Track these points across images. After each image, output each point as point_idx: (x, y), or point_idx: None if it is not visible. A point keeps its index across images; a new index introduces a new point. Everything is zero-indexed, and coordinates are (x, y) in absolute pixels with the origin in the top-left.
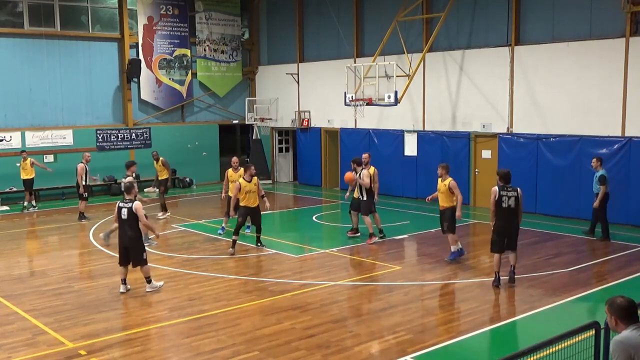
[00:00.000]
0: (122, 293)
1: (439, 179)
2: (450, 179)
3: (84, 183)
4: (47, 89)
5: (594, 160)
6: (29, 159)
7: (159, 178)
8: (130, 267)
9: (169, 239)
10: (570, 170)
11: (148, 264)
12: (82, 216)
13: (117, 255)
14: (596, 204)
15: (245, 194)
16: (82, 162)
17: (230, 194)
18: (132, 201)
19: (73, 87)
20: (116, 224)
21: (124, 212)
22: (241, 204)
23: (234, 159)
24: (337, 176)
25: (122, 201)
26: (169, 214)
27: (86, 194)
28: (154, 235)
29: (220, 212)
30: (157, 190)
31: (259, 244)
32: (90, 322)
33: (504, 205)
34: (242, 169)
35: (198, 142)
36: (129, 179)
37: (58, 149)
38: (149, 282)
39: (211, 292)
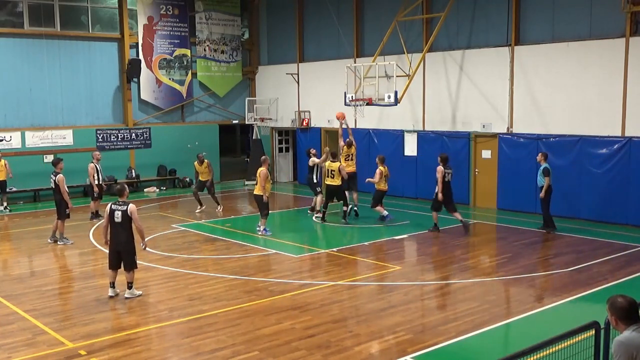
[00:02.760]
0: (111, 297)
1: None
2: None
3: (96, 182)
4: (47, 89)
5: (539, 155)
6: (3, 160)
7: (201, 179)
8: (119, 270)
9: (169, 239)
10: (570, 170)
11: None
12: (94, 215)
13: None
14: (542, 194)
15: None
16: (92, 162)
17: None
18: (125, 203)
19: (73, 87)
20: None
21: (118, 214)
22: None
23: (266, 157)
24: None
25: (114, 203)
26: (203, 207)
27: (95, 194)
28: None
29: (224, 212)
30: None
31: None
32: (90, 322)
33: (446, 179)
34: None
35: (198, 142)
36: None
37: (58, 149)
38: (130, 287)
39: (211, 292)
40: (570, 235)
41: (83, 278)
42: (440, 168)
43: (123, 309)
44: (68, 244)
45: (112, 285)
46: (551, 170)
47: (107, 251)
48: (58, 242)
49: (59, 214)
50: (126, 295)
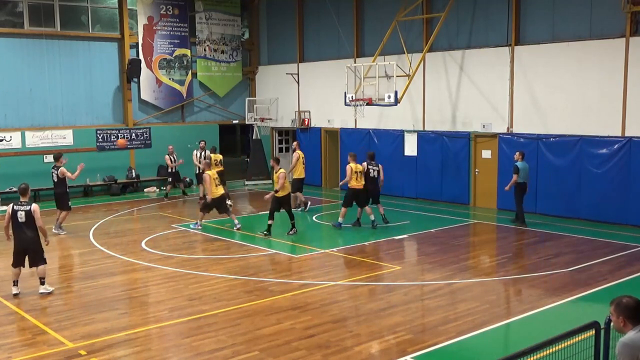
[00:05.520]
0: (15, 295)
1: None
2: (359, 165)
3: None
4: (47, 89)
5: (517, 153)
6: None
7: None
8: (22, 269)
9: (169, 239)
10: (570, 170)
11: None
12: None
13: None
14: (507, 187)
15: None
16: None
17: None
18: (28, 203)
19: (73, 87)
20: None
21: (21, 214)
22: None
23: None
24: (337, 176)
25: (16, 204)
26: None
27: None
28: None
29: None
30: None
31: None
32: (90, 322)
33: (370, 175)
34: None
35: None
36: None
37: (58, 149)
38: (43, 283)
39: (211, 292)
40: (570, 235)
41: (83, 278)
42: (364, 163)
43: (123, 309)
44: (61, 234)
45: (16, 283)
46: (522, 168)
47: (14, 249)
48: (53, 230)
49: (62, 205)
50: (41, 291)
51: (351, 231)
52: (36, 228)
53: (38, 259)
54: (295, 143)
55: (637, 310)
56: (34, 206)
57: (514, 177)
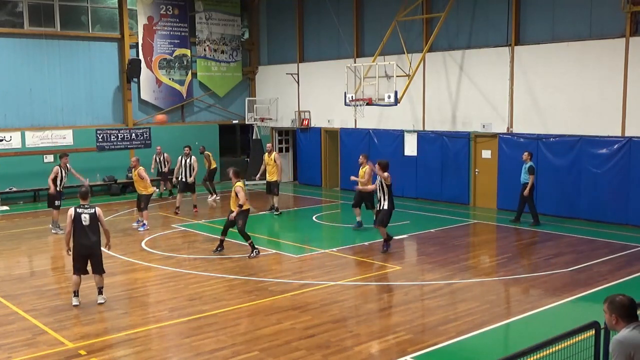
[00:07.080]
0: (76, 306)
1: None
2: (368, 166)
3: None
4: (47, 89)
5: (525, 153)
6: None
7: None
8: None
9: (169, 239)
10: (570, 170)
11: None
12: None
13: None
14: (526, 192)
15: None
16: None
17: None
18: (91, 206)
19: (73, 87)
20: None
21: (85, 217)
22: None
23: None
24: (337, 176)
25: (78, 207)
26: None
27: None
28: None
29: (220, 213)
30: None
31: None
32: (90, 322)
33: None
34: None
35: (198, 142)
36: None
37: (58, 149)
38: (102, 292)
39: (211, 292)
40: (570, 235)
41: (83, 278)
42: (386, 174)
43: (123, 309)
44: (59, 233)
45: (77, 293)
46: (535, 167)
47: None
48: (52, 231)
49: (50, 204)
50: (100, 301)
51: (351, 231)
52: (99, 233)
53: (101, 266)
54: (269, 145)
55: (630, 308)
56: (98, 209)
57: (531, 178)
